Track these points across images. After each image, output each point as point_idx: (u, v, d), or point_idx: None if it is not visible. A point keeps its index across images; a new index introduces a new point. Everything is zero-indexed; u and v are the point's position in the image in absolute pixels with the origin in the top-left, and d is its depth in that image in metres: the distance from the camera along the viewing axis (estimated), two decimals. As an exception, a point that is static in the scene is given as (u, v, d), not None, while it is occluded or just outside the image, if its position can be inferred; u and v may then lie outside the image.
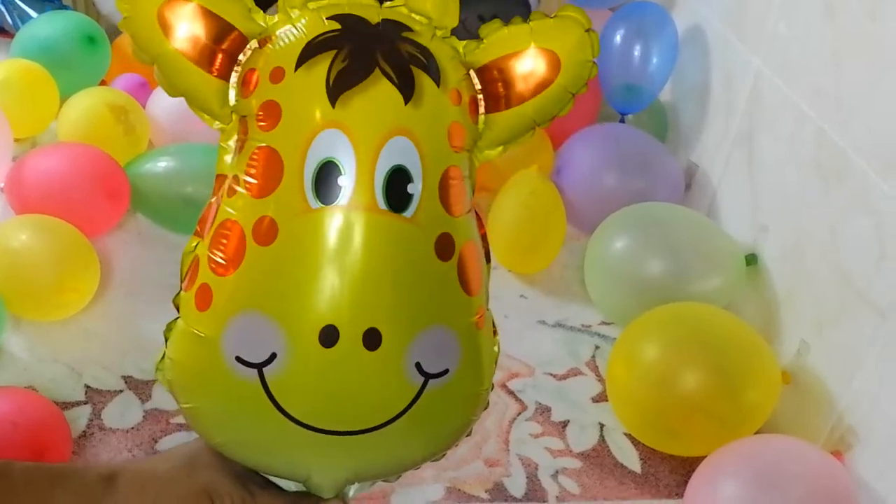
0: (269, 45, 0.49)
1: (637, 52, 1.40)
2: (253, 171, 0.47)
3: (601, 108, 1.52)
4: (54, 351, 1.09)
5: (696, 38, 1.42)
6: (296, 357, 0.46)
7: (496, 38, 0.53)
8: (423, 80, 0.48)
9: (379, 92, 0.47)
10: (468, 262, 0.50)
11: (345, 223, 0.46)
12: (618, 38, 1.41)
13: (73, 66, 1.46)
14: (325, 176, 0.46)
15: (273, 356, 0.46)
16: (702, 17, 1.42)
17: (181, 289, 0.51)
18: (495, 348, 0.55)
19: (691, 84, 1.44)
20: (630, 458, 1.06)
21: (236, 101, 0.50)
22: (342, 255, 0.46)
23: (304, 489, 0.52)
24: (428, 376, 0.48)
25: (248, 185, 0.47)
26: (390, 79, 0.47)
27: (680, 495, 1.00)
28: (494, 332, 0.55)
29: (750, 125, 1.25)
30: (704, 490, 0.91)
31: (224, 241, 0.48)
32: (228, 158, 0.50)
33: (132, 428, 1.01)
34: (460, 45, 0.52)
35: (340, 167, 0.46)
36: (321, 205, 0.46)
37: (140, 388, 1.06)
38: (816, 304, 1.05)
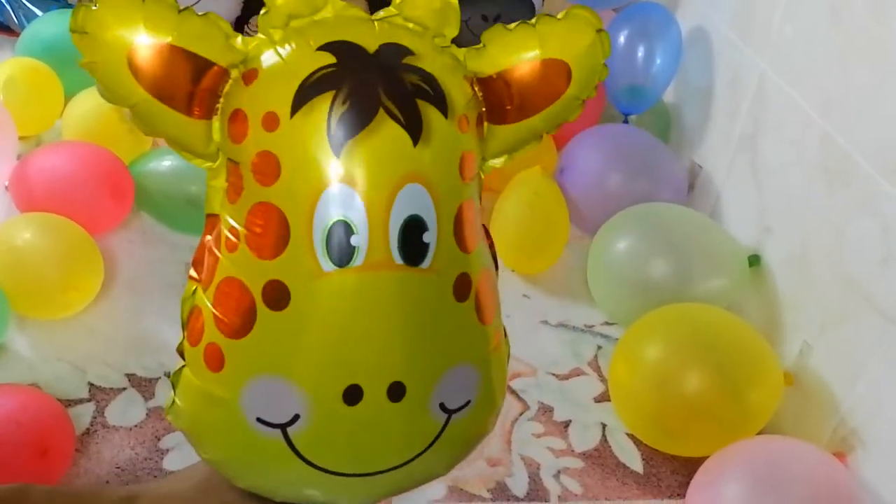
0: (256, 83, 0.45)
1: (641, 52, 1.40)
2: (256, 229, 0.45)
3: (605, 108, 1.52)
4: (58, 349, 1.10)
5: (700, 40, 1.42)
6: (319, 417, 0.45)
7: (500, 46, 0.50)
8: (431, 114, 0.45)
9: (385, 136, 0.43)
10: (484, 294, 0.49)
11: (361, 286, 0.44)
12: (622, 39, 1.41)
13: (78, 65, 1.46)
14: (336, 237, 0.43)
15: (296, 416, 0.45)
16: (706, 19, 1.42)
17: (184, 337, 0.49)
18: (506, 358, 0.55)
19: (695, 85, 1.44)
20: (632, 459, 1.06)
21: (223, 141, 0.46)
22: (360, 318, 0.44)
23: None
24: (451, 412, 0.48)
25: (251, 244, 0.45)
26: (396, 119, 0.44)
27: (682, 496, 1.00)
28: (504, 334, 0.55)
29: (754, 127, 1.25)
30: (706, 491, 0.91)
31: (231, 304, 0.45)
32: (219, 200, 0.48)
33: (135, 425, 1.01)
34: (461, 53, 0.49)
35: (352, 226, 0.43)
36: (334, 267, 0.44)
37: (143, 385, 1.06)
38: (820, 306, 1.05)
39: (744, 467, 0.89)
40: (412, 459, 0.48)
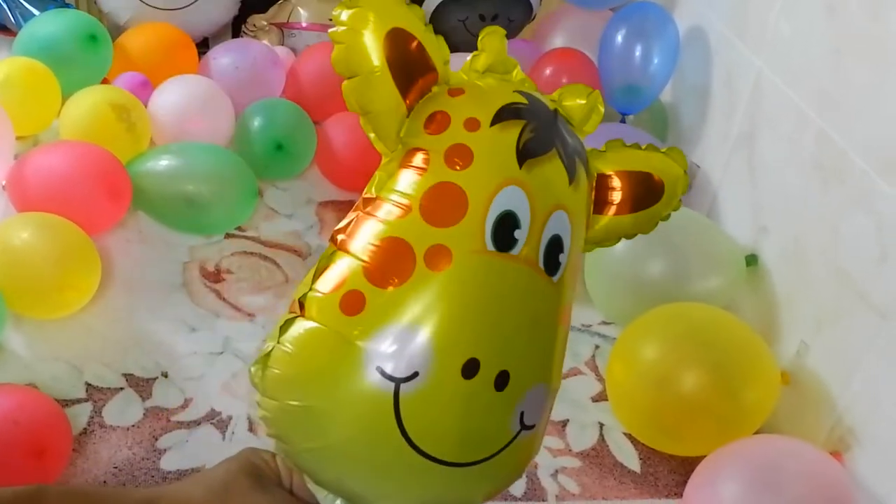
0: (462, 97, 0.53)
1: (638, 52, 1.40)
2: (438, 201, 0.51)
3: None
4: (55, 348, 1.10)
5: (697, 39, 1.43)
6: (436, 380, 0.48)
7: (617, 153, 0.61)
8: (581, 170, 0.55)
9: (553, 167, 0.53)
10: (565, 331, 0.57)
11: (512, 272, 0.51)
12: (619, 39, 1.41)
13: (75, 65, 1.46)
14: (505, 225, 0.51)
15: (415, 374, 0.48)
16: (703, 18, 1.42)
17: (311, 288, 0.50)
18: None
19: (692, 84, 1.44)
20: (629, 458, 1.06)
21: (410, 134, 0.53)
22: (503, 300, 0.51)
23: None
24: (523, 427, 0.52)
25: (425, 213, 0.50)
26: (562, 160, 0.53)
27: (679, 495, 1.00)
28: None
29: (751, 126, 1.25)
30: (704, 490, 0.91)
31: (391, 257, 0.50)
32: (385, 184, 0.52)
33: (133, 425, 1.01)
34: (587, 150, 0.59)
35: (519, 221, 0.51)
36: (496, 250, 0.50)
37: (141, 385, 1.06)
38: (816, 305, 1.05)
39: (741, 466, 0.90)
40: (476, 462, 0.51)
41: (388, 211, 0.51)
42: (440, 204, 0.51)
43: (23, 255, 1.08)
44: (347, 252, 0.50)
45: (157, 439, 1.00)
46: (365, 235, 0.51)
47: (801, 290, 1.09)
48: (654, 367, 1.01)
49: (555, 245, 0.52)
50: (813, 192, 1.07)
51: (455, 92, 0.54)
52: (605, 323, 1.26)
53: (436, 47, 0.54)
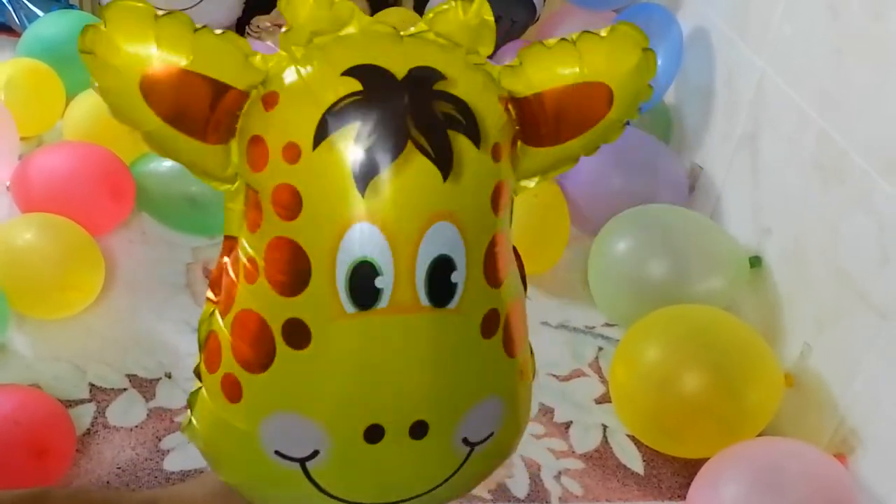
0: (277, 109, 0.42)
1: (641, 53, 1.40)
2: (276, 265, 0.43)
3: (605, 109, 1.52)
4: (58, 349, 1.10)
5: (700, 40, 1.42)
6: (339, 454, 0.45)
7: (538, 64, 0.47)
8: (462, 145, 0.43)
9: (414, 171, 0.41)
10: (513, 326, 0.48)
11: (385, 329, 0.43)
12: (622, 40, 1.41)
13: (79, 65, 1.42)
14: (360, 278, 0.42)
15: (316, 452, 0.45)
16: (706, 19, 1.42)
17: (201, 360, 0.48)
18: (532, 378, 0.53)
19: (695, 85, 1.44)
20: (633, 460, 1.06)
21: (241, 165, 0.44)
22: (383, 359, 0.43)
23: None
24: (473, 445, 0.47)
25: (271, 280, 0.43)
26: (426, 153, 0.41)
27: (682, 497, 1.00)
28: (531, 352, 0.53)
29: (754, 127, 1.25)
30: (707, 492, 0.91)
31: (250, 337, 0.44)
32: (237, 223, 0.46)
33: (136, 426, 1.01)
34: (496, 70, 0.46)
35: (377, 267, 0.42)
36: (357, 310, 0.42)
37: (144, 386, 1.06)
38: (818, 306, 1.05)
39: (744, 468, 0.89)
40: (431, 490, 0.48)
41: (241, 268, 0.44)
42: (281, 267, 0.42)
43: (26, 255, 1.08)
44: (221, 317, 0.46)
45: (160, 440, 1.00)
46: (229, 299, 0.45)
47: (802, 290, 1.09)
48: (657, 369, 1.01)
49: (440, 269, 0.42)
50: (814, 192, 1.07)
51: (269, 101, 0.42)
52: (608, 325, 1.26)
53: (218, 53, 0.41)
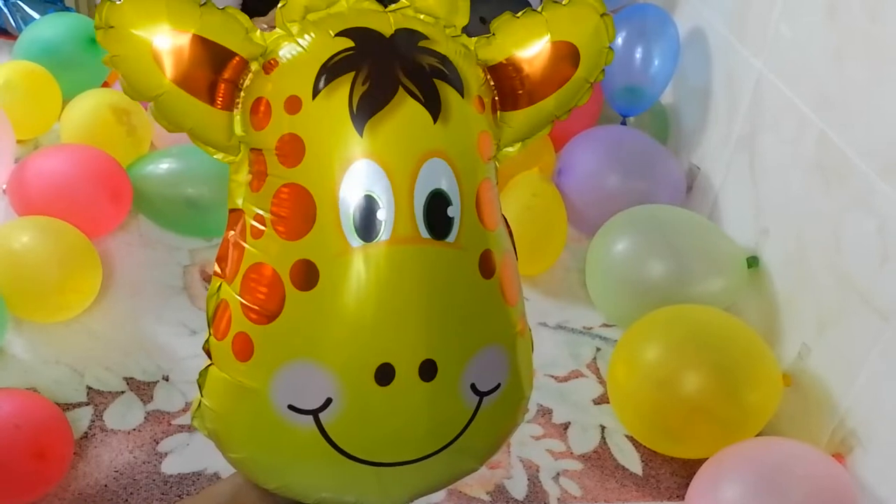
0: (277, 71, 0.46)
1: (638, 54, 1.40)
2: (281, 211, 0.45)
3: (602, 110, 1.52)
4: (56, 352, 1.10)
5: (697, 41, 1.43)
6: (352, 399, 0.45)
7: (509, 32, 0.51)
8: (448, 93, 0.46)
9: (406, 113, 0.45)
10: (507, 275, 0.49)
11: (389, 260, 0.44)
12: (619, 41, 1.41)
13: (76, 68, 1.46)
14: (363, 211, 0.44)
15: (329, 401, 0.45)
16: (703, 20, 1.42)
17: (210, 334, 0.49)
18: (531, 347, 0.54)
19: (693, 86, 1.44)
20: (631, 461, 1.06)
21: (245, 131, 0.47)
22: (390, 293, 0.44)
23: None
24: (482, 395, 0.48)
25: (277, 227, 0.45)
26: (416, 97, 0.45)
27: (681, 497, 1.00)
28: (528, 329, 0.55)
29: (752, 127, 1.25)
30: (706, 492, 0.91)
31: (259, 288, 0.45)
32: (242, 193, 0.48)
33: (134, 429, 1.01)
34: (471, 42, 0.50)
35: (377, 200, 0.44)
36: (362, 242, 0.44)
37: (142, 389, 1.06)
38: (818, 307, 1.05)
39: (743, 469, 0.89)
40: (445, 447, 0.47)
41: (248, 229, 0.46)
42: (288, 211, 0.45)
43: (23, 258, 1.08)
44: (228, 285, 0.47)
45: (158, 443, 0.99)
46: (236, 264, 0.47)
47: (803, 291, 1.09)
48: (655, 370, 1.01)
49: (437, 202, 0.45)
50: (814, 193, 1.07)
51: (269, 66, 0.46)
52: (606, 325, 1.26)
53: (222, 25, 0.45)
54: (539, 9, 0.51)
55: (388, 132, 0.44)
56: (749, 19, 1.27)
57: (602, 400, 1.13)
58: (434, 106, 0.46)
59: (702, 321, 1.05)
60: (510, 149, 0.53)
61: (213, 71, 0.46)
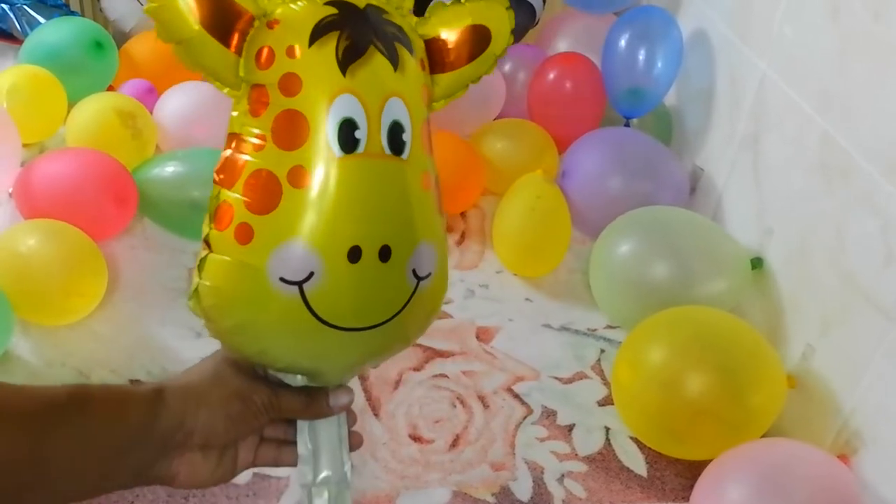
0: (279, 27, 0.59)
1: (642, 55, 1.40)
2: (283, 128, 0.59)
3: (606, 112, 1.52)
4: (62, 355, 1.10)
5: (701, 42, 1.43)
6: (330, 272, 0.58)
7: (440, 15, 0.67)
8: (403, 53, 0.62)
9: (376, 63, 0.60)
10: (437, 192, 0.65)
11: (361, 167, 0.59)
12: (622, 42, 1.41)
13: (81, 72, 1.47)
14: (345, 131, 0.58)
15: (311, 274, 0.58)
16: (707, 21, 1.42)
17: (211, 228, 0.61)
18: (447, 257, 0.68)
19: (696, 87, 1.44)
20: (636, 462, 1.06)
21: (249, 72, 0.60)
22: (362, 192, 0.59)
23: (309, 384, 0.64)
24: (420, 279, 0.62)
25: (277, 140, 0.58)
26: (382, 52, 0.60)
27: (686, 499, 1.00)
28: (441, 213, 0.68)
29: (755, 128, 1.25)
30: (710, 494, 0.91)
31: (260, 188, 0.58)
32: (241, 121, 0.60)
33: (139, 431, 1.01)
34: (413, 20, 0.65)
35: (356, 123, 0.58)
36: (343, 154, 0.58)
37: (147, 391, 1.06)
38: (822, 307, 1.05)
39: (748, 470, 0.89)
40: (393, 317, 0.61)
41: (249, 146, 0.59)
42: (287, 130, 0.59)
43: (29, 261, 1.08)
44: (229, 189, 0.60)
45: (163, 445, 1.00)
46: (237, 172, 0.60)
47: (807, 292, 1.09)
48: (659, 371, 1.01)
49: (396, 129, 0.60)
50: (818, 193, 1.07)
51: (272, 24, 0.60)
52: (610, 327, 1.26)
53: None
54: (462, 1, 0.68)
55: (363, 75, 0.59)
56: (752, 20, 1.27)
57: (606, 402, 1.13)
58: (395, 60, 0.60)
59: (706, 323, 1.05)
60: (437, 104, 0.68)
61: (233, 22, 0.59)
